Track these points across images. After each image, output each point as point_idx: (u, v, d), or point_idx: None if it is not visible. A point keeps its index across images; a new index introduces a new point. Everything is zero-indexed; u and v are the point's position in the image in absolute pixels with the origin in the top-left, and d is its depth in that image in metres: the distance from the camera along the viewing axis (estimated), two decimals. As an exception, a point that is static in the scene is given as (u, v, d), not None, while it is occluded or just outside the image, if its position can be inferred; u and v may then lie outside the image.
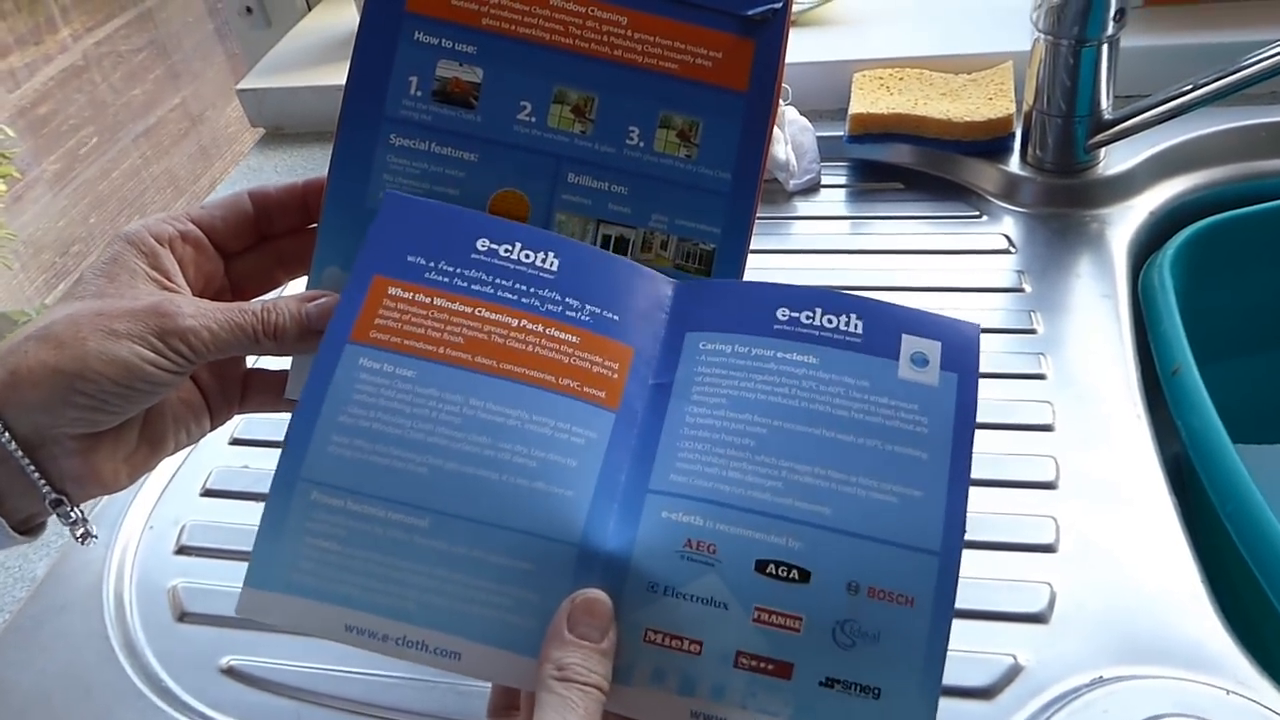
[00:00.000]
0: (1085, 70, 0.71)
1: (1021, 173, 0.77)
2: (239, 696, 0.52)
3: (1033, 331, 0.67)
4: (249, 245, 0.46)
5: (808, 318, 0.41)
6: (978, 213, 0.78)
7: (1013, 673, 0.48)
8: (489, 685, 0.40)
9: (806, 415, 0.39)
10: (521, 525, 0.37)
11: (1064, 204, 0.76)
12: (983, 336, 0.65)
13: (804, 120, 0.84)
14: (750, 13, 0.44)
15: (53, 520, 0.41)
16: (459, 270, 0.41)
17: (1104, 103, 0.73)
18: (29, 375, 0.37)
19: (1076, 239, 0.73)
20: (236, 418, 0.47)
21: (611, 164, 0.44)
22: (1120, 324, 0.66)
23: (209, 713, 0.51)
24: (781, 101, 0.81)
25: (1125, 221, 0.74)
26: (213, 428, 0.46)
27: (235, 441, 0.66)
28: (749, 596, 0.36)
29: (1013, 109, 0.79)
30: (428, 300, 0.40)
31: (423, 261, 0.41)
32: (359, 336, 0.40)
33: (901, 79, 0.85)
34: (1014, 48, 0.85)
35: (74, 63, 3.40)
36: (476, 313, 0.40)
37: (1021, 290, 0.70)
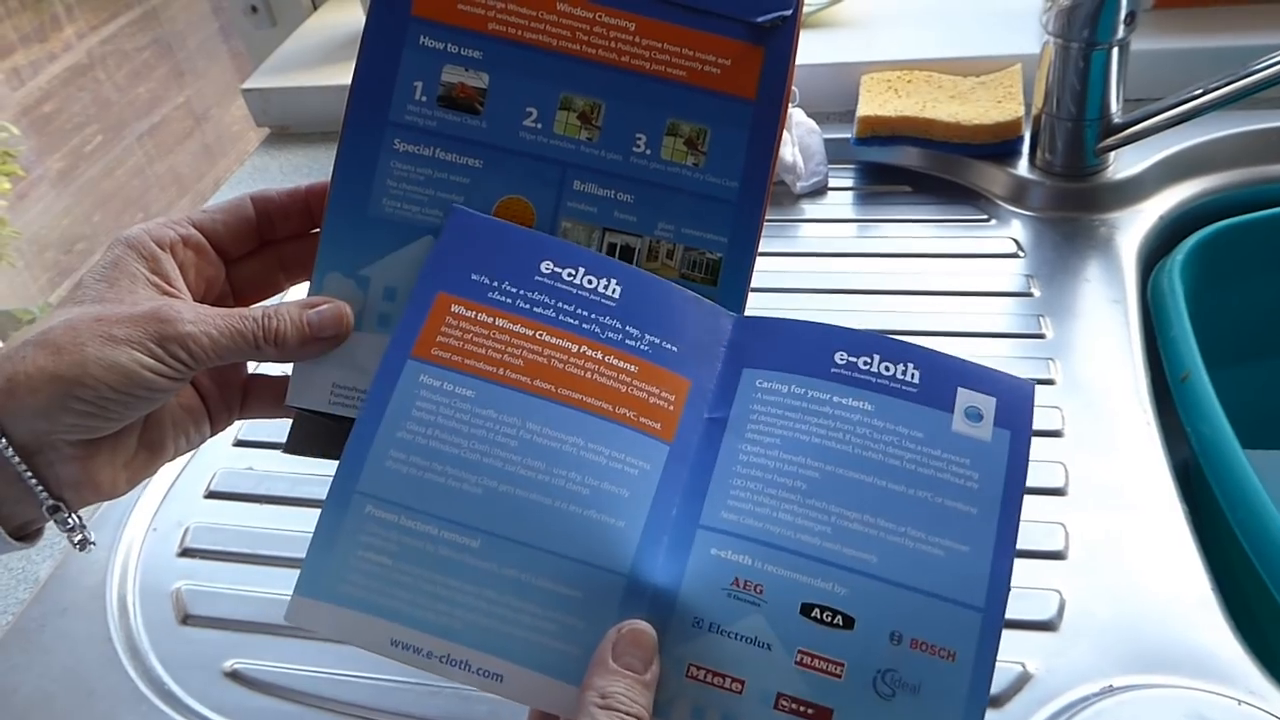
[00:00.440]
0: (1095, 73, 0.71)
1: (1030, 176, 0.77)
2: (242, 700, 0.51)
3: (1041, 336, 0.66)
4: (251, 250, 0.46)
5: (865, 363, 0.41)
6: (986, 216, 0.77)
7: (1021, 681, 0.48)
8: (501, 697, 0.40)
9: (859, 462, 0.39)
10: (572, 552, 0.37)
11: (1073, 208, 0.76)
12: (991, 340, 0.66)
13: (811, 122, 0.84)
14: (760, 20, 0.44)
15: (53, 524, 0.40)
16: (522, 292, 0.41)
17: (1114, 106, 0.73)
18: (27, 381, 0.37)
19: (1085, 243, 0.73)
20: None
21: (618, 171, 0.44)
22: (1129, 329, 0.66)
23: (212, 716, 0.51)
24: (789, 103, 0.81)
25: (1135, 226, 0.74)
26: (213, 434, 0.45)
27: (239, 443, 0.66)
28: (793, 639, 0.36)
29: (1021, 112, 0.78)
30: (490, 320, 0.40)
31: (487, 280, 0.41)
32: (421, 353, 0.40)
33: (910, 81, 0.85)
34: (1023, 50, 0.84)
35: (78, 61, 3.40)
36: (538, 336, 0.40)
37: (1030, 295, 0.70)
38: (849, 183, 0.83)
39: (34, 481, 0.38)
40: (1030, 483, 0.55)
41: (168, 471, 0.64)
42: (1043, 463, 0.58)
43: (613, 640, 0.36)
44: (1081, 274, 0.71)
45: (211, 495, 0.63)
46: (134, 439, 0.41)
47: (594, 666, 0.36)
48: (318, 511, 0.60)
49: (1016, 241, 0.74)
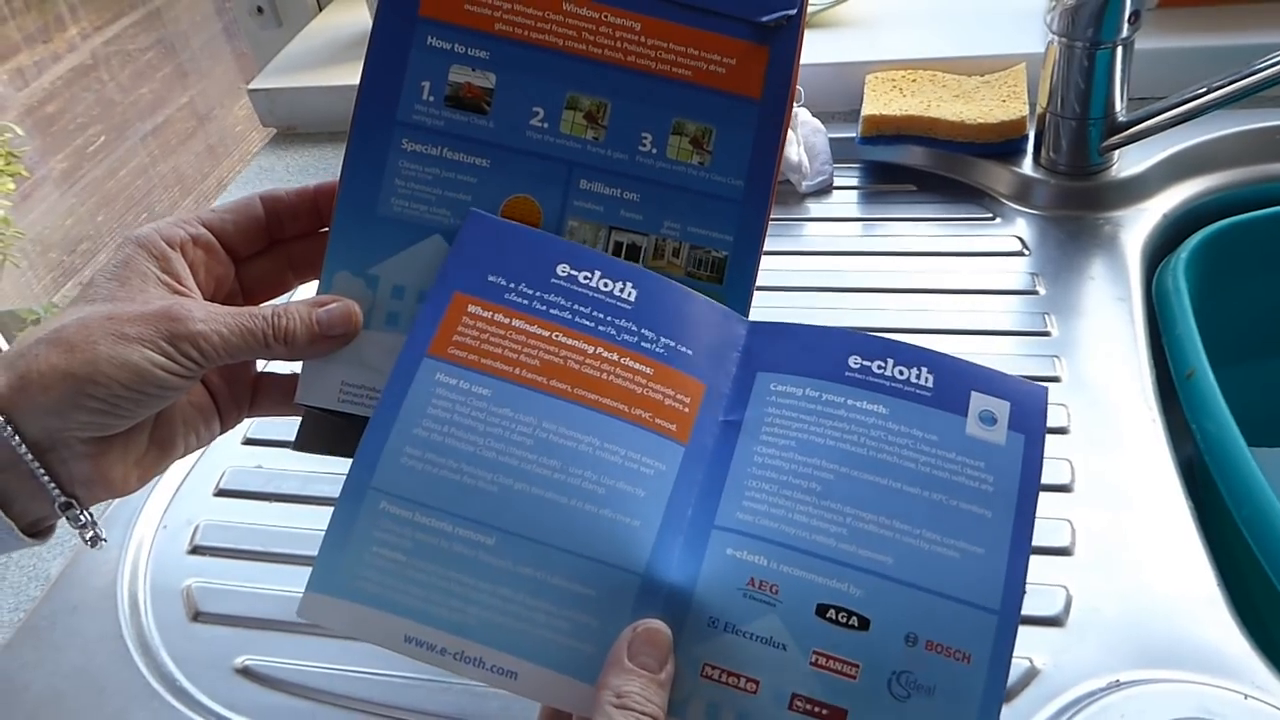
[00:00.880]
0: (1099, 72, 0.71)
1: (1035, 175, 0.77)
2: (253, 696, 0.52)
3: (1046, 334, 0.67)
4: (260, 249, 0.46)
5: (879, 367, 0.41)
6: (991, 215, 0.78)
7: (1029, 676, 0.48)
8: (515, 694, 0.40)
9: (874, 464, 0.39)
10: (587, 551, 0.37)
11: (1077, 206, 0.76)
12: (996, 339, 0.67)
13: (816, 121, 0.84)
14: (764, 19, 0.44)
15: (64, 521, 0.41)
16: (538, 293, 0.41)
17: (1118, 105, 0.73)
18: (40, 379, 0.37)
19: (1090, 241, 0.73)
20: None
21: (624, 170, 0.44)
22: (1134, 327, 0.66)
23: (223, 712, 0.51)
24: (794, 103, 0.81)
25: (1139, 224, 0.74)
26: (222, 431, 0.46)
27: (248, 441, 0.66)
28: (808, 640, 0.36)
29: (1026, 111, 0.78)
30: (506, 321, 0.41)
31: (503, 282, 0.41)
32: (437, 351, 0.40)
33: (914, 81, 0.85)
34: (1028, 50, 0.84)
35: (82, 61, 3.41)
36: (554, 337, 0.41)
37: (1035, 293, 0.70)
38: (854, 182, 0.83)
39: (46, 478, 0.39)
40: (1036, 480, 0.56)
41: (178, 469, 0.64)
42: (1049, 459, 0.57)
43: (628, 639, 0.36)
44: (1086, 272, 0.71)
45: (221, 493, 0.63)
46: (145, 436, 0.41)
47: (609, 665, 0.36)
48: (328, 509, 0.60)
49: (1021, 240, 0.75)
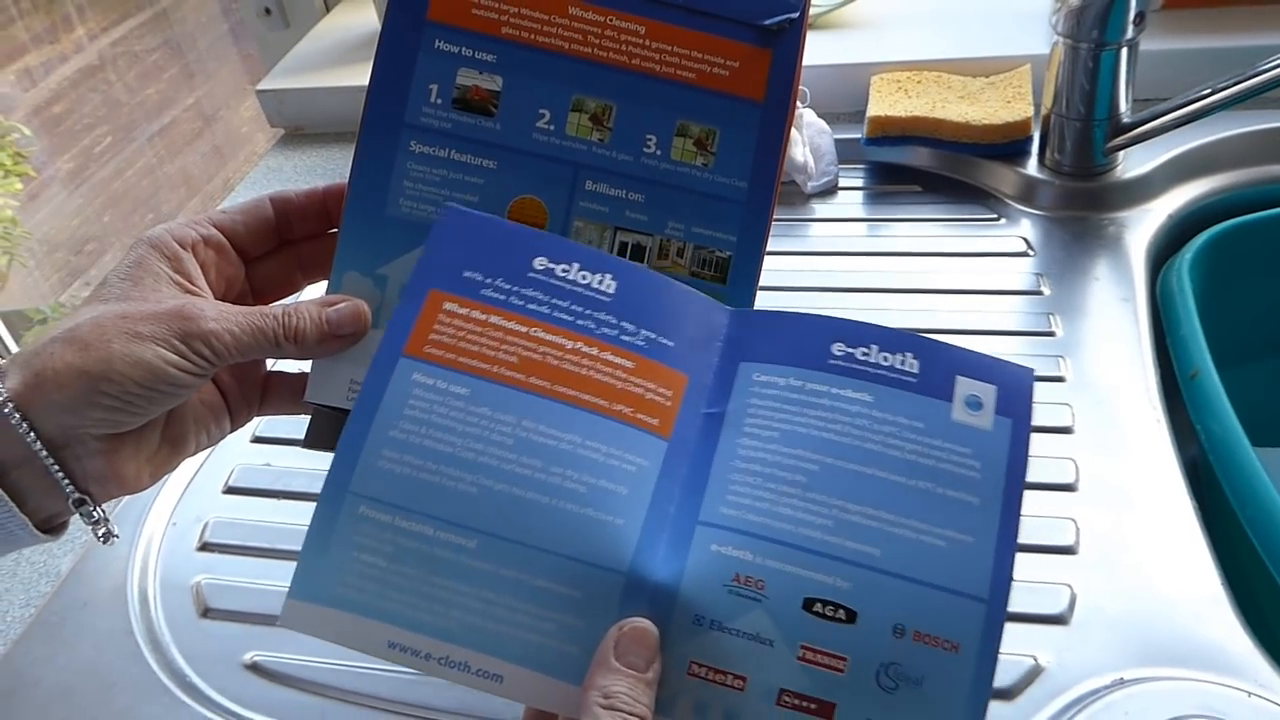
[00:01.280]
0: (1104, 74, 0.71)
1: (1040, 176, 0.78)
2: (263, 692, 0.52)
3: (1051, 334, 0.67)
4: (270, 250, 0.47)
5: (863, 354, 0.40)
6: (996, 215, 0.78)
7: (1033, 674, 0.48)
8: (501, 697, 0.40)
9: (859, 454, 0.38)
10: (570, 551, 0.37)
11: (1082, 207, 0.76)
12: (1001, 339, 0.67)
13: (822, 123, 0.84)
14: (767, 23, 0.44)
15: (76, 518, 0.41)
16: (515, 288, 0.41)
17: (1123, 106, 0.73)
18: (54, 377, 0.38)
19: (1095, 242, 0.73)
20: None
21: (629, 172, 0.44)
22: (1139, 327, 0.66)
23: (233, 708, 0.51)
24: (800, 104, 0.82)
25: (1144, 225, 0.74)
26: (233, 429, 0.46)
27: (257, 439, 0.66)
28: (795, 634, 0.36)
29: (1031, 112, 0.79)
30: (483, 318, 0.40)
31: (479, 278, 0.41)
32: (413, 350, 0.39)
33: (920, 82, 0.85)
34: (1033, 51, 0.85)
35: (89, 62, 3.42)
36: (531, 333, 0.40)
37: (1040, 293, 0.70)
38: (859, 182, 0.84)
39: (61, 475, 0.39)
40: (1041, 478, 0.57)
41: (187, 467, 0.65)
42: (1053, 459, 0.58)
43: (614, 639, 0.36)
44: (1091, 273, 0.71)
45: (230, 490, 0.63)
46: (157, 434, 0.42)
47: (596, 666, 0.36)
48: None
49: (1026, 240, 0.75)
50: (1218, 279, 0.72)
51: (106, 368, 0.38)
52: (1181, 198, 0.76)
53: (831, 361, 0.40)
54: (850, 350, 0.40)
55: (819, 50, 0.92)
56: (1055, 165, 0.77)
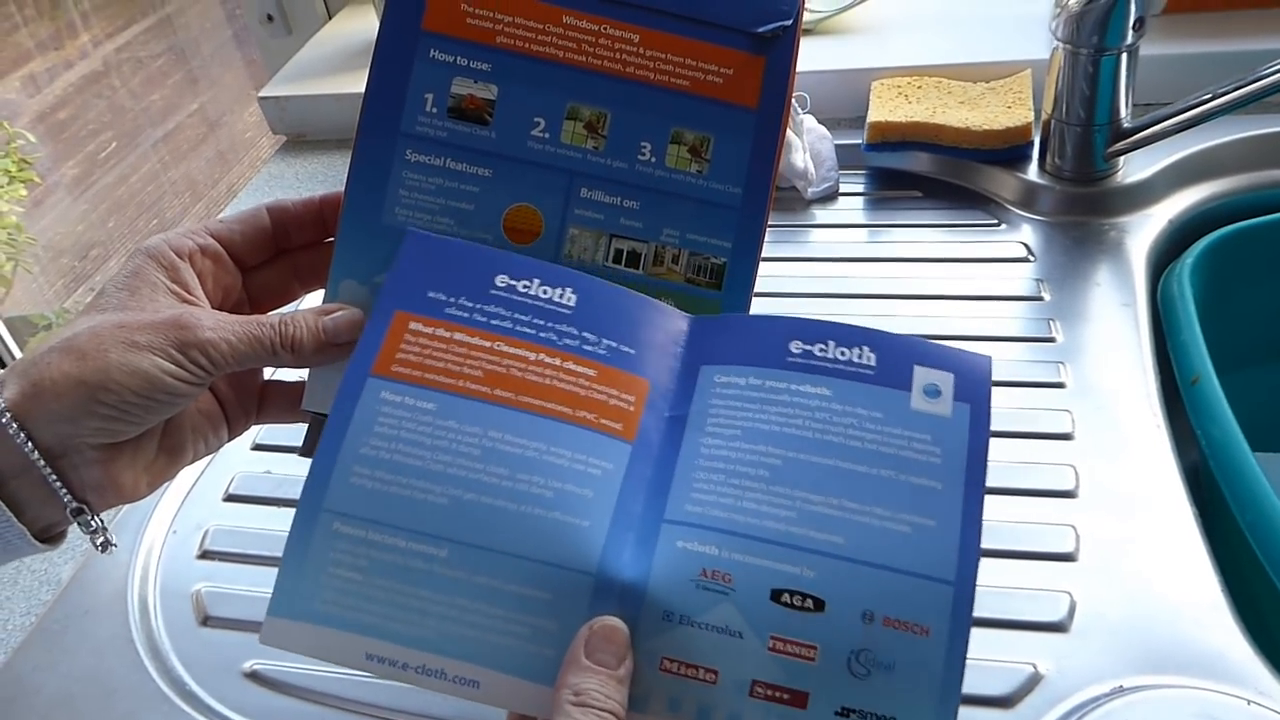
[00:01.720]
0: (1104, 79, 0.71)
1: (1040, 181, 0.78)
2: (262, 700, 0.52)
3: (1052, 340, 0.67)
4: (267, 259, 0.47)
5: (820, 350, 0.41)
6: (996, 221, 0.78)
7: (1032, 682, 0.48)
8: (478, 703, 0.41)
9: (820, 446, 0.39)
10: (539, 555, 0.37)
11: (1083, 212, 0.76)
12: (1002, 345, 0.67)
13: (822, 128, 0.84)
14: (760, 30, 0.44)
15: (75, 527, 0.41)
16: (478, 306, 0.41)
17: (1123, 111, 0.73)
18: (52, 386, 0.38)
19: (1095, 247, 0.73)
20: (257, 424, 0.48)
21: (624, 179, 0.45)
22: (1139, 332, 0.66)
23: (232, 716, 0.51)
24: (800, 109, 0.82)
25: (1144, 230, 0.74)
26: (230, 438, 0.46)
27: (257, 447, 0.66)
28: (764, 626, 0.36)
29: (1031, 117, 0.79)
30: (448, 335, 0.41)
31: (443, 297, 0.42)
32: (381, 370, 0.40)
33: (920, 87, 0.85)
34: (1033, 56, 0.85)
35: (94, 68, 3.43)
36: (495, 347, 0.41)
37: (1040, 299, 0.70)
38: (860, 188, 0.84)
39: (58, 484, 0.39)
40: (1041, 485, 0.57)
41: (187, 475, 0.65)
42: (1053, 465, 0.58)
43: (584, 638, 0.36)
44: (1091, 278, 0.71)
45: (230, 498, 0.63)
46: (154, 443, 0.42)
47: (567, 665, 0.36)
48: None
49: (1026, 246, 0.75)
50: (1219, 284, 0.72)
51: (104, 377, 0.38)
52: (1182, 203, 0.76)
53: (790, 359, 0.41)
54: (807, 347, 0.41)
55: (820, 56, 0.92)
56: (1056, 170, 0.77)
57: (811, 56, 0.92)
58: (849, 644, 0.36)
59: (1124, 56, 0.70)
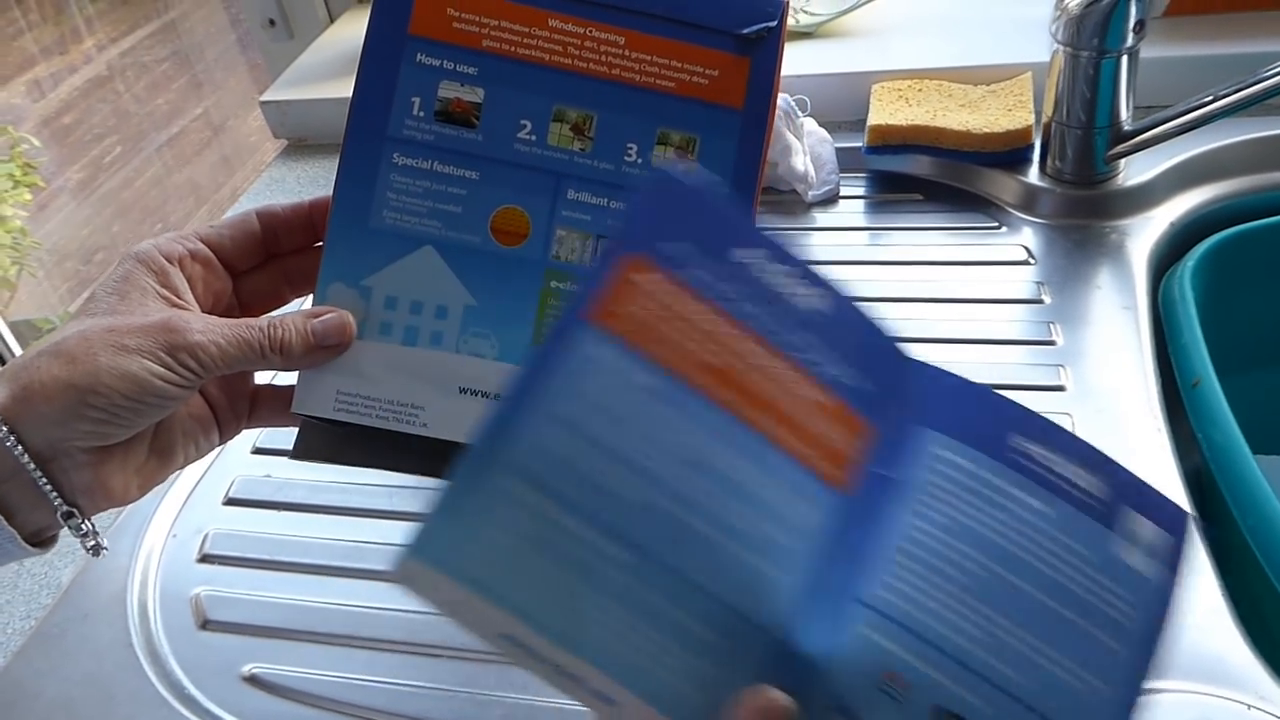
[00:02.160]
0: (1105, 81, 0.71)
1: (1041, 184, 0.77)
2: (261, 704, 0.52)
3: (1052, 343, 0.67)
4: (257, 264, 0.47)
5: (1040, 455, 0.37)
6: (997, 224, 0.78)
7: (1031, 686, 0.48)
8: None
9: (1026, 569, 0.35)
10: (725, 595, 0.33)
11: (1083, 215, 0.76)
12: (1002, 348, 0.67)
13: (823, 131, 0.84)
14: (745, 31, 0.44)
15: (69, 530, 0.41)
16: (723, 279, 0.36)
17: (1124, 114, 0.73)
18: (41, 390, 0.38)
19: (1096, 250, 0.73)
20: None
21: (610, 180, 0.45)
22: (1140, 335, 0.66)
23: (230, 720, 0.52)
24: (800, 112, 0.82)
25: (1145, 233, 0.74)
26: (221, 442, 0.46)
27: (257, 451, 0.66)
28: None
29: (1032, 120, 0.78)
30: (681, 301, 0.35)
31: (685, 254, 0.36)
32: (596, 317, 0.35)
33: (920, 90, 0.85)
34: (1033, 59, 0.84)
35: (98, 73, 3.44)
36: (731, 334, 0.36)
37: (1041, 301, 0.70)
38: (860, 191, 0.84)
39: (49, 488, 0.39)
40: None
41: (187, 478, 0.65)
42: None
43: (746, 704, 0.33)
44: (1092, 281, 0.71)
45: (230, 502, 0.63)
46: (145, 446, 0.42)
47: None
48: (336, 518, 0.61)
49: (1027, 249, 0.75)
50: (1220, 287, 0.71)
51: (93, 380, 0.38)
52: (1183, 205, 0.76)
53: (1010, 453, 0.37)
54: (1027, 445, 0.37)
55: (820, 59, 0.92)
56: (1056, 173, 0.77)
57: (812, 59, 0.92)
58: None
59: (1124, 59, 0.70)
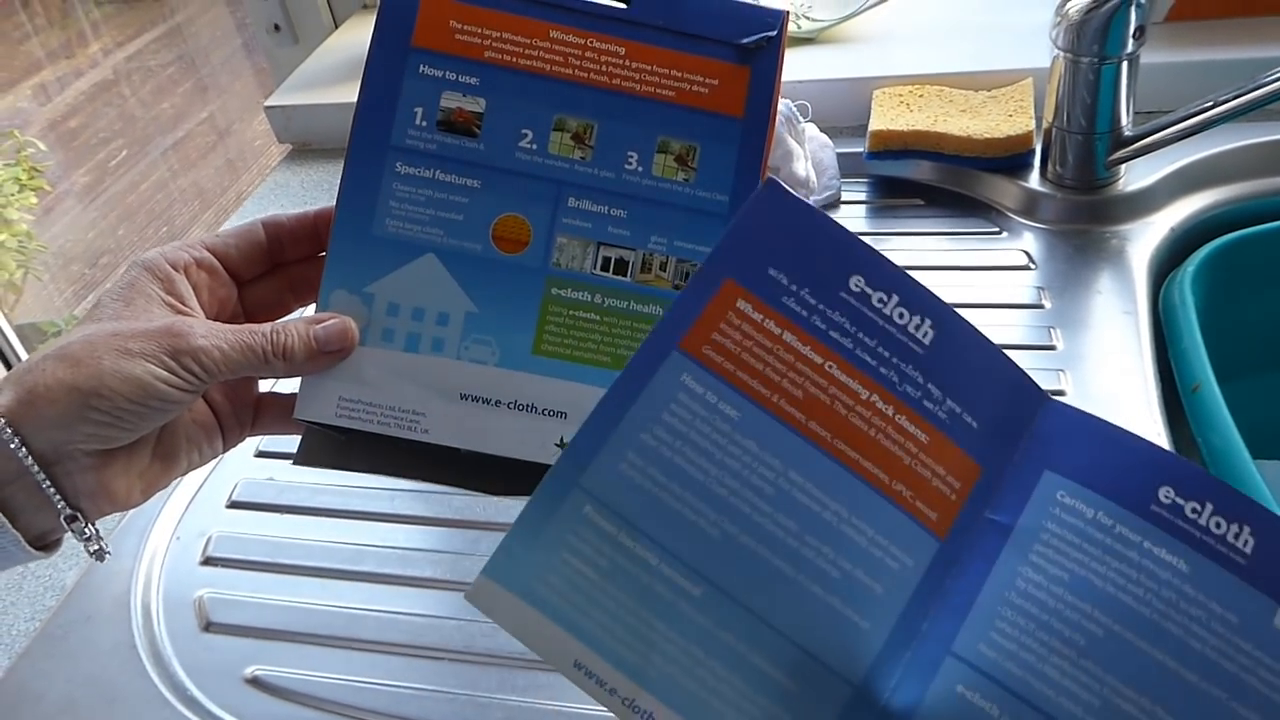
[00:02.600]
0: (1105, 87, 0.71)
1: (1041, 189, 0.78)
2: (264, 706, 0.52)
3: (1052, 348, 0.67)
4: (262, 272, 0.47)
5: (1193, 511, 0.34)
6: (998, 229, 0.78)
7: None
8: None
9: (1153, 631, 0.32)
10: (803, 640, 0.32)
11: (1084, 220, 0.76)
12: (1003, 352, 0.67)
13: (824, 137, 0.85)
14: (745, 41, 0.45)
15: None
16: (822, 307, 0.35)
17: (1124, 119, 0.73)
18: (46, 393, 0.38)
19: (1097, 255, 0.73)
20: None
21: (611, 188, 0.45)
22: (1140, 340, 0.66)
23: (233, 722, 0.52)
24: (802, 118, 0.82)
25: (1145, 238, 0.74)
26: (225, 449, 0.46)
27: (260, 454, 0.67)
28: None
29: (1032, 126, 0.79)
30: (777, 331, 0.35)
31: (785, 281, 0.35)
32: (690, 346, 0.34)
33: (921, 96, 0.85)
34: (1034, 65, 0.85)
35: (104, 77, 3.45)
36: (826, 367, 0.35)
37: (1041, 306, 0.70)
38: (861, 196, 0.84)
39: (52, 491, 0.39)
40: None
41: (190, 482, 0.65)
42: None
43: None
44: (1093, 286, 0.71)
45: (233, 505, 0.64)
46: (148, 450, 0.42)
47: None
48: (338, 521, 0.61)
49: (1028, 254, 0.75)
50: (1220, 292, 0.72)
51: (97, 383, 0.38)
52: (1184, 211, 0.76)
53: (1154, 507, 0.34)
54: (1180, 501, 0.34)
55: (821, 64, 0.92)
56: (1057, 178, 0.77)
57: (813, 65, 0.92)
58: None
59: (1125, 64, 0.70)
